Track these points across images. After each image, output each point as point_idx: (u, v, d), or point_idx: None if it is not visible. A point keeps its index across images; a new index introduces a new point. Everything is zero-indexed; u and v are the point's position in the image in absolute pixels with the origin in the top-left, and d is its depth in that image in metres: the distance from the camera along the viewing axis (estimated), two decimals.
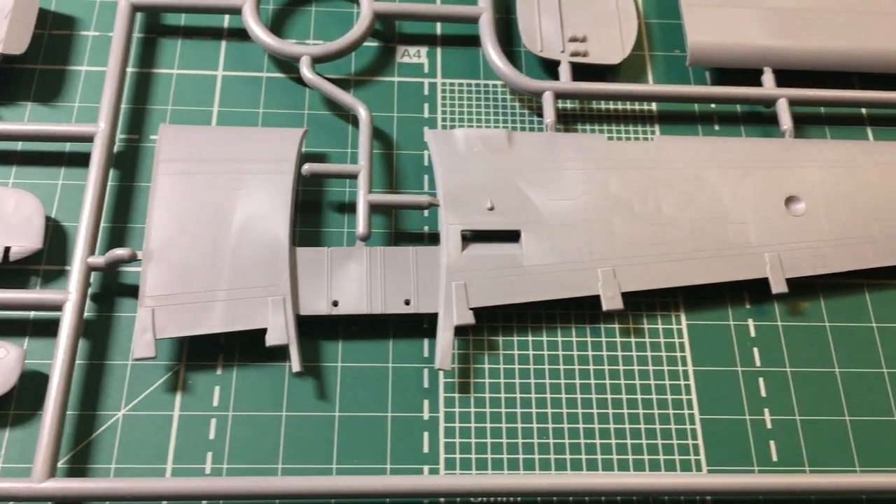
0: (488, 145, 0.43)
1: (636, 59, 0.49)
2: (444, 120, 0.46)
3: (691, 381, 0.40)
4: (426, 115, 0.46)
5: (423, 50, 0.49)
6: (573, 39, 0.47)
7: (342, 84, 0.47)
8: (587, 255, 0.41)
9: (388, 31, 0.49)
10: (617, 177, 0.43)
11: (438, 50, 0.49)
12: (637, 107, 0.47)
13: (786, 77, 0.48)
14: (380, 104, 0.47)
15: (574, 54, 0.47)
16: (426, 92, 0.47)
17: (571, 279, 0.41)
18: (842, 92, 0.47)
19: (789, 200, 0.43)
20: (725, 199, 0.43)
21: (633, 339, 0.41)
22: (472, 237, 0.42)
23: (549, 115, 0.45)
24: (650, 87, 0.46)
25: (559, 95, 0.46)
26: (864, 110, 0.48)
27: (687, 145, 0.44)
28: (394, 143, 0.46)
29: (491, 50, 0.46)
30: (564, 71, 0.46)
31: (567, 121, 0.47)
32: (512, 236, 0.42)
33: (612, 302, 0.40)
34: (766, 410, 0.40)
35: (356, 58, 0.48)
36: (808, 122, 0.48)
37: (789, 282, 0.42)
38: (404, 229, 0.43)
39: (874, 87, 0.48)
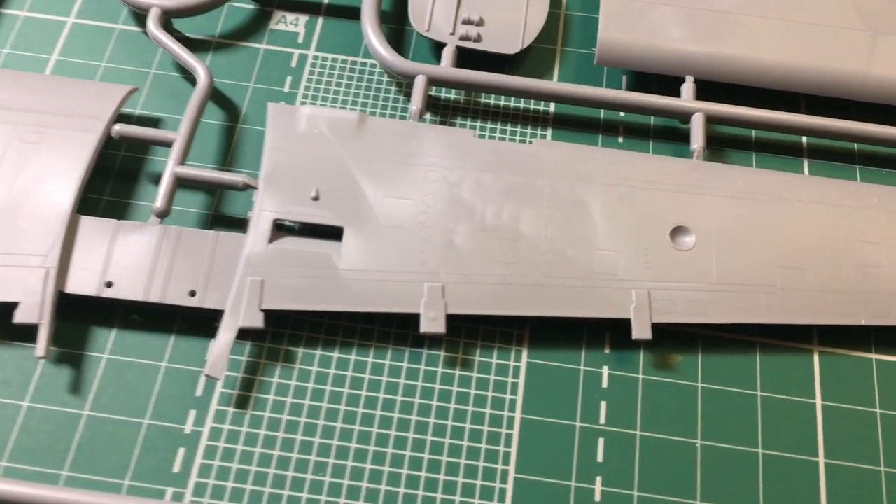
0: (333, 127, 0.38)
1: (545, 52, 0.43)
2: (305, 97, 0.41)
3: (515, 431, 0.34)
4: (287, 89, 0.42)
5: (303, 18, 0.44)
6: (467, 22, 0.42)
7: (202, 45, 0.43)
8: (417, 266, 0.35)
9: None
10: (474, 180, 0.37)
11: (320, 20, 0.44)
12: (532, 106, 0.42)
13: (717, 92, 0.42)
14: (238, 71, 0.42)
15: (464, 38, 0.41)
16: (294, 64, 0.42)
17: (393, 291, 0.35)
18: (772, 113, 0.40)
19: (677, 231, 0.37)
20: (599, 221, 0.37)
21: (457, 372, 0.35)
22: (293, 230, 0.37)
23: (417, 102, 0.39)
24: (542, 83, 0.40)
25: (433, 81, 0.40)
26: (804, 139, 0.41)
27: (570, 153, 0.38)
28: (241, 116, 0.41)
29: (368, 24, 0.41)
30: (447, 55, 0.41)
31: (448, 113, 0.41)
32: (335, 233, 0.36)
33: (432, 324, 0.35)
34: (599, 479, 0.33)
35: (226, 19, 0.43)
36: (736, 146, 0.41)
37: (660, 328, 0.35)
38: (227, 213, 0.38)
39: (821, 113, 0.41)
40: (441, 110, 0.41)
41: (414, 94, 0.40)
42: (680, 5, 0.42)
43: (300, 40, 0.43)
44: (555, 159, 0.38)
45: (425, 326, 0.34)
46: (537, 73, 0.43)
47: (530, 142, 0.40)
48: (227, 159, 0.39)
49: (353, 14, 0.43)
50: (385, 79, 0.42)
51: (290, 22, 0.44)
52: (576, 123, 0.41)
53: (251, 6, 0.44)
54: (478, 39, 0.41)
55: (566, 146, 0.39)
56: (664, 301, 0.35)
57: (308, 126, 0.38)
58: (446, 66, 0.40)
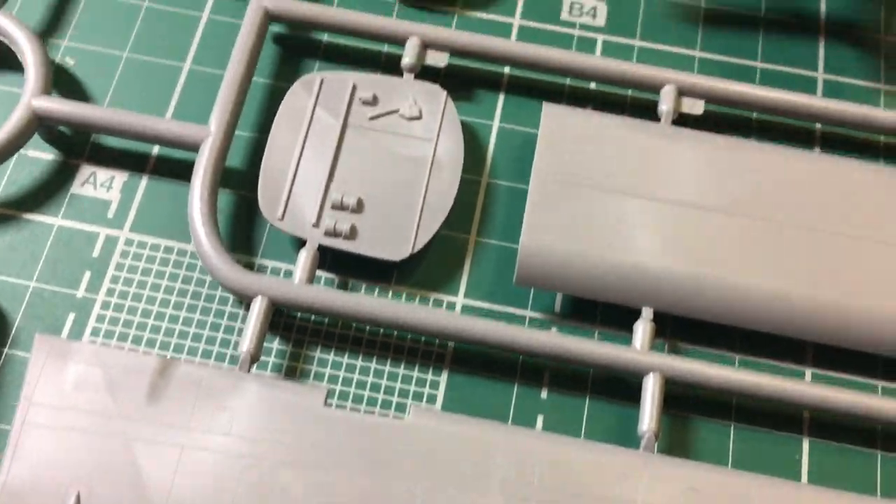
0: (117, 382, 0.27)
1: (450, 252, 0.32)
2: (105, 309, 0.30)
3: None
4: (81, 293, 0.30)
5: (121, 178, 0.32)
6: (338, 207, 0.31)
7: None
8: None
9: (80, 143, 0.33)
10: (304, 482, 0.26)
11: (143, 182, 0.33)
12: (426, 337, 0.31)
13: (688, 332, 0.30)
14: (14, 261, 0.31)
15: (331, 234, 0.30)
16: (97, 252, 0.31)
17: None
18: (760, 377, 0.29)
19: None
20: None
21: None
22: None
23: (249, 341, 0.28)
24: (433, 314, 0.29)
25: (280, 303, 0.29)
26: (805, 414, 0.30)
27: (458, 434, 0.27)
28: (7, 340, 0.30)
29: (196, 200, 0.30)
30: (304, 260, 0.30)
31: (305, 342, 0.30)
32: None
33: None
34: None
35: (10, 173, 0.32)
36: (707, 413, 0.30)
37: None
38: None
39: (833, 370, 0.30)
40: (294, 336, 0.30)
41: (247, 329, 0.29)
42: (637, 197, 0.30)
43: (111, 213, 0.32)
44: (434, 444, 0.27)
45: None
46: (436, 284, 0.31)
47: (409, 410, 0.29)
48: None
49: (181, 172, 0.32)
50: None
51: (101, 184, 0.32)
52: (484, 366, 0.30)
53: (50, 156, 0.33)
54: (351, 235, 0.30)
55: (455, 421, 0.28)
56: None
57: (82, 377, 0.27)
58: (300, 282, 0.29)
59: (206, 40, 0.35)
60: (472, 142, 0.33)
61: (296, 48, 0.35)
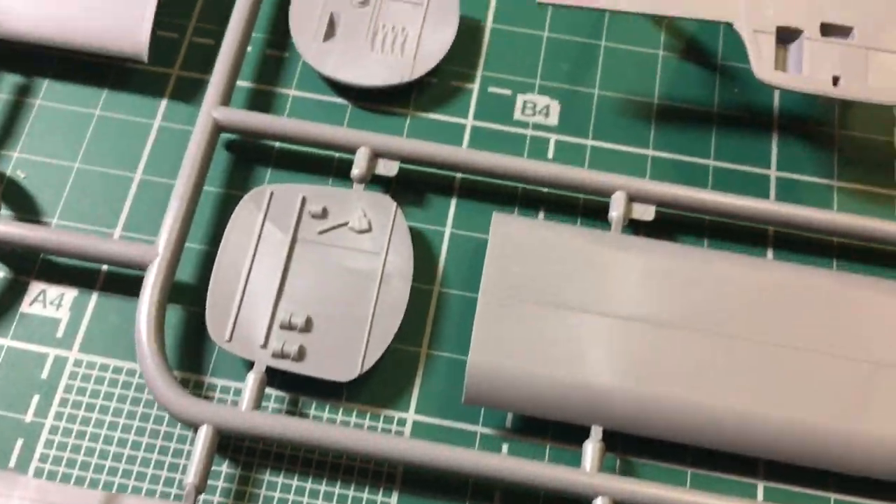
0: None
1: (401, 367, 0.32)
2: (53, 434, 0.30)
3: None
4: (30, 417, 0.30)
5: (70, 295, 0.32)
6: (287, 327, 0.31)
7: None
8: None
9: (30, 259, 0.33)
10: None
11: (93, 298, 0.32)
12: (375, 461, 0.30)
13: (640, 449, 0.30)
14: None
15: (279, 356, 0.30)
16: (46, 374, 0.31)
17: None
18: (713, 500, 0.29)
19: None
20: None
21: None
22: None
23: (195, 473, 0.28)
24: (379, 440, 0.29)
25: (224, 432, 0.29)
26: None
27: None
28: None
29: (143, 325, 0.30)
30: (253, 382, 0.29)
31: (254, 465, 0.30)
32: None
33: None
34: None
35: None
36: None
37: None
38: None
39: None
40: (243, 458, 0.30)
41: (192, 460, 0.28)
42: (586, 312, 0.30)
43: (60, 332, 0.32)
44: None
45: None
46: (387, 401, 0.31)
47: None
48: None
49: (139, 287, 0.32)
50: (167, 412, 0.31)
51: (50, 301, 0.32)
52: (434, 486, 0.30)
53: (3, 274, 0.33)
54: (299, 357, 0.30)
55: None
56: None
57: None
58: (247, 408, 0.29)
59: (157, 148, 0.35)
60: (424, 249, 0.33)
61: (247, 155, 0.35)
